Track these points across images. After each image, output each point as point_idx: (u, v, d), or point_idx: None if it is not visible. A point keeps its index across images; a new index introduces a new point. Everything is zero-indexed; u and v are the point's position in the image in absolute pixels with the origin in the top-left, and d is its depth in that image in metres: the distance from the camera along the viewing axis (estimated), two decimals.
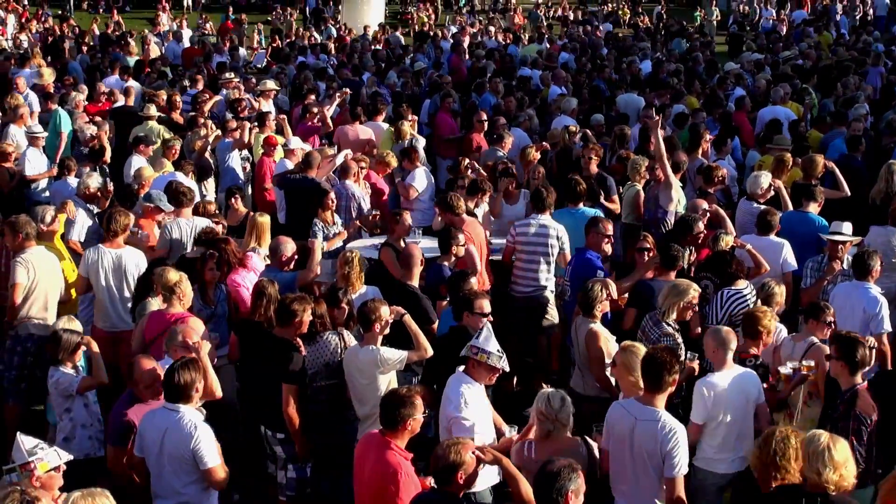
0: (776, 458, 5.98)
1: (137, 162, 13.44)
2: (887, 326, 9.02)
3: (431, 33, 32.95)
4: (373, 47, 27.98)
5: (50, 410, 8.68)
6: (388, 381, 7.90)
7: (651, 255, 9.78)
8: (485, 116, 15.78)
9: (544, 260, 10.50)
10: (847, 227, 10.17)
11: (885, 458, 7.09)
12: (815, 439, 5.83)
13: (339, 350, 8.29)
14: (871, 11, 36.30)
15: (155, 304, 9.08)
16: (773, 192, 11.67)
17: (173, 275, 8.79)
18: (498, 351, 7.25)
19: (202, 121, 15.49)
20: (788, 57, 24.94)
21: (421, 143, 15.24)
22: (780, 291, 8.84)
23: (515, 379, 9.05)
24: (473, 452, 6.05)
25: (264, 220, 10.72)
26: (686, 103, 18.03)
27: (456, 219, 10.64)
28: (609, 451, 6.89)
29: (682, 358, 8.07)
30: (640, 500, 6.73)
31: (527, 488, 6.10)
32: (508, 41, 30.61)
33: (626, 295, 9.63)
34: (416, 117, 16.51)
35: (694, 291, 8.60)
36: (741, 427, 7.36)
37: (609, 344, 8.35)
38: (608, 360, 8.08)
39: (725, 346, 7.50)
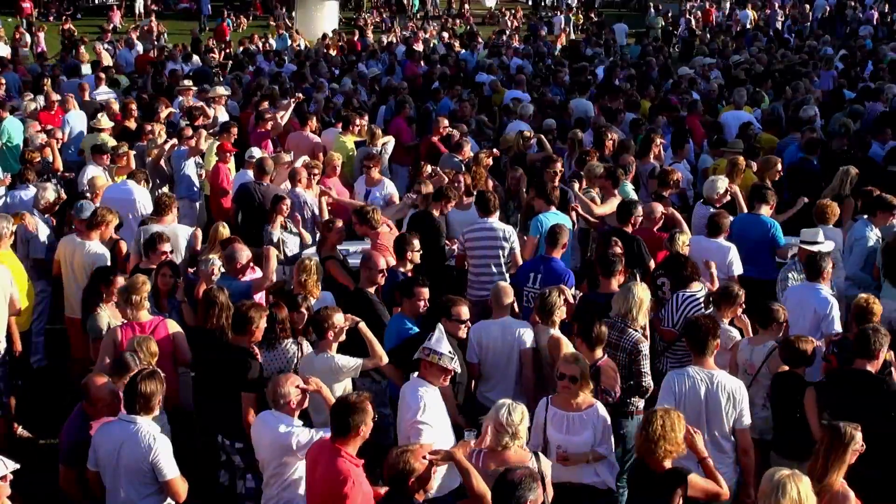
0: (660, 436, 6.23)
1: (92, 171, 13.31)
2: (838, 327, 9.09)
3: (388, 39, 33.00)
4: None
5: None
6: (343, 389, 7.87)
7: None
8: (446, 122, 15.76)
9: (494, 263, 10.57)
10: (821, 234, 10.14)
11: None
12: (770, 478, 5.72)
13: (296, 360, 8.26)
14: (823, 14, 36.89)
15: (105, 314, 9.05)
16: (729, 197, 11.77)
17: (146, 285, 8.76)
18: (449, 352, 7.27)
19: (149, 128, 15.32)
20: (738, 61, 25.19)
21: (389, 146, 15.17)
22: (740, 294, 8.86)
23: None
24: (425, 457, 6.04)
25: (224, 230, 10.64)
26: (640, 108, 18.10)
27: (371, 231, 10.79)
28: None
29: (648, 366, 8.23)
30: (713, 453, 7.13)
31: (479, 482, 6.10)
32: (455, 45, 30.76)
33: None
34: (364, 123, 16.42)
35: (648, 292, 8.63)
36: (505, 370, 8.60)
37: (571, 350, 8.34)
38: None
39: (500, 300, 8.82)
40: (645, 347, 8.22)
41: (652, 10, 38.50)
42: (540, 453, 6.82)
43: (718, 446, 7.36)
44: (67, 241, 10.63)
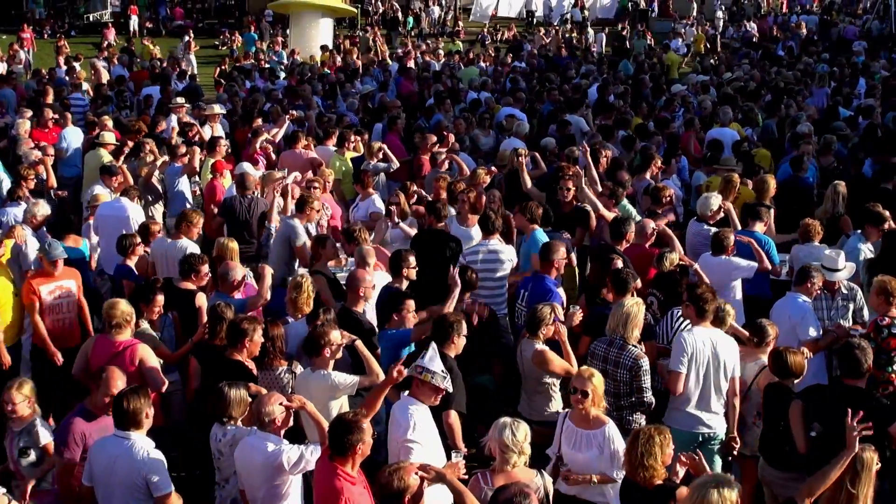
0: (643, 458, 6.28)
1: (98, 190, 13.31)
2: (805, 334, 9.21)
3: (380, 57, 33.04)
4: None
5: None
6: (339, 407, 7.86)
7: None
8: (434, 139, 15.76)
9: (495, 284, 10.55)
10: (842, 259, 9.98)
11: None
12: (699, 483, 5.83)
13: (290, 389, 8.19)
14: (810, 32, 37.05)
15: (146, 328, 9.16)
16: (722, 214, 11.77)
17: (126, 306, 8.69)
18: (442, 371, 7.26)
19: (147, 148, 15.30)
20: (731, 79, 25.24)
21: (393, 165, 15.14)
22: (731, 312, 8.88)
23: None
24: (416, 473, 6.03)
25: (234, 245, 10.61)
26: (629, 125, 18.07)
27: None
28: (689, 374, 8.17)
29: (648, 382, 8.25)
30: (717, 401, 8.26)
31: (473, 502, 6.08)
32: (457, 61, 30.84)
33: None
34: (358, 139, 16.43)
35: (641, 305, 8.61)
36: None
37: (555, 363, 8.38)
38: (555, 379, 8.47)
39: (365, 259, 9.82)
40: (645, 363, 8.20)
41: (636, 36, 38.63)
42: (544, 471, 6.85)
43: (722, 393, 8.25)
44: (158, 243, 11.28)
